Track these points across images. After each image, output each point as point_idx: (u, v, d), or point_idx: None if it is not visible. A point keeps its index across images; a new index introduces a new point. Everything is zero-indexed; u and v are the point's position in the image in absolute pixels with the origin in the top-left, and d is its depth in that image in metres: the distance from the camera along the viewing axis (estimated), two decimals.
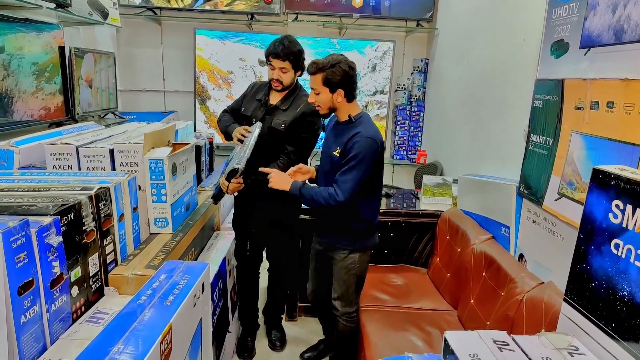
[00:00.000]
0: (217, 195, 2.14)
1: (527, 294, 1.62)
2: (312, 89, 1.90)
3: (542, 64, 1.79)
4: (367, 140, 1.79)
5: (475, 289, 2.03)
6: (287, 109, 2.14)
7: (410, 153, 4.67)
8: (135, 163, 1.67)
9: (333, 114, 1.98)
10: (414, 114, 4.60)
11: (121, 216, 1.45)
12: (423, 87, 4.55)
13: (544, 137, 1.74)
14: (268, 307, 2.61)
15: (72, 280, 1.15)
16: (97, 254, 1.28)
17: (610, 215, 1.00)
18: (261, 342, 2.57)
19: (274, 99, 2.19)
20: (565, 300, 1.11)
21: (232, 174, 2.00)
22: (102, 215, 1.31)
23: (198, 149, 2.47)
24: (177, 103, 4.58)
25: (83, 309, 1.22)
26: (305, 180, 1.97)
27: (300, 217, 2.39)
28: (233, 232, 2.34)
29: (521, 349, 0.98)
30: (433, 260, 2.66)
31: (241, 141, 2.09)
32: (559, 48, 1.67)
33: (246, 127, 2.10)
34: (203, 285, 1.33)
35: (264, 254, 2.50)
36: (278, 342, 2.52)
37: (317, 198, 1.84)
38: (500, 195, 2.11)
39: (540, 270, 1.74)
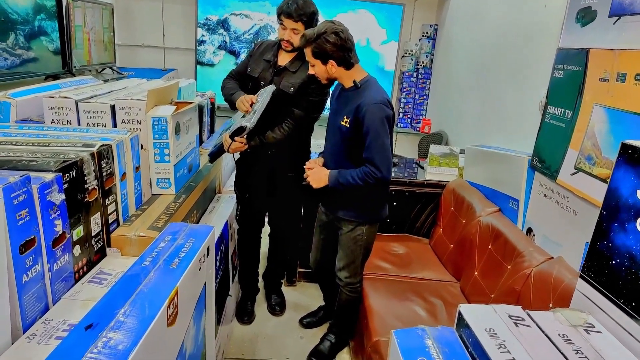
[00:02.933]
0: (216, 153, 2.07)
1: (536, 269, 1.61)
2: (308, 61, 1.84)
3: (565, 32, 1.70)
4: (375, 106, 1.73)
5: (480, 261, 2.02)
6: (297, 71, 2.05)
7: (414, 122, 4.60)
8: (137, 120, 1.61)
9: (337, 82, 1.91)
10: (420, 81, 4.50)
11: (123, 175, 1.41)
12: (431, 54, 4.43)
13: (563, 109, 1.68)
14: (268, 272, 2.61)
15: (75, 239, 1.12)
16: (99, 213, 1.24)
17: (638, 192, 0.96)
18: (261, 307, 2.59)
19: (283, 59, 2.10)
20: (581, 277, 1.09)
21: (238, 132, 1.94)
22: (104, 173, 1.26)
23: (200, 109, 2.40)
24: (177, 61, 4.45)
25: (85, 269, 1.19)
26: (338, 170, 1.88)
27: (303, 183, 2.34)
28: (235, 195, 2.31)
29: (537, 325, 0.96)
30: (436, 230, 2.65)
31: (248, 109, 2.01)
32: (586, 16, 1.58)
33: (252, 96, 2.01)
34: (208, 249, 1.30)
35: (266, 219, 2.47)
36: (278, 306, 2.54)
37: (356, 180, 1.78)
38: (511, 167, 2.07)
39: (549, 245, 1.72)
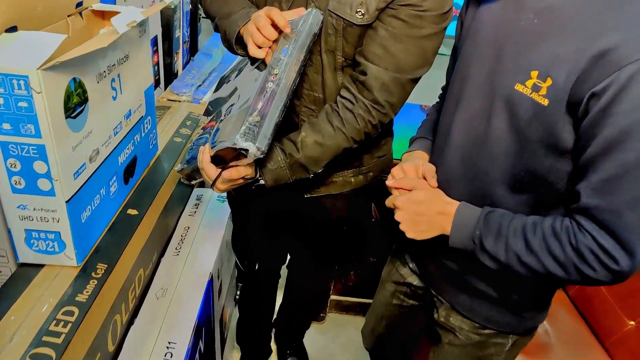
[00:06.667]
0: (190, 176, 1.10)
1: None
2: None
3: None
4: None
5: None
6: None
7: None
8: None
9: None
10: None
11: None
12: None
13: None
14: (282, 317, 1.68)
15: None
16: None
17: None
18: None
19: None
20: None
21: (222, 160, 0.89)
22: None
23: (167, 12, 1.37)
24: None
25: None
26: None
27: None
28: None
29: None
30: None
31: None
32: None
33: (275, 15, 0.84)
34: None
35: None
36: None
37: (539, 258, 0.67)
38: None
39: None
